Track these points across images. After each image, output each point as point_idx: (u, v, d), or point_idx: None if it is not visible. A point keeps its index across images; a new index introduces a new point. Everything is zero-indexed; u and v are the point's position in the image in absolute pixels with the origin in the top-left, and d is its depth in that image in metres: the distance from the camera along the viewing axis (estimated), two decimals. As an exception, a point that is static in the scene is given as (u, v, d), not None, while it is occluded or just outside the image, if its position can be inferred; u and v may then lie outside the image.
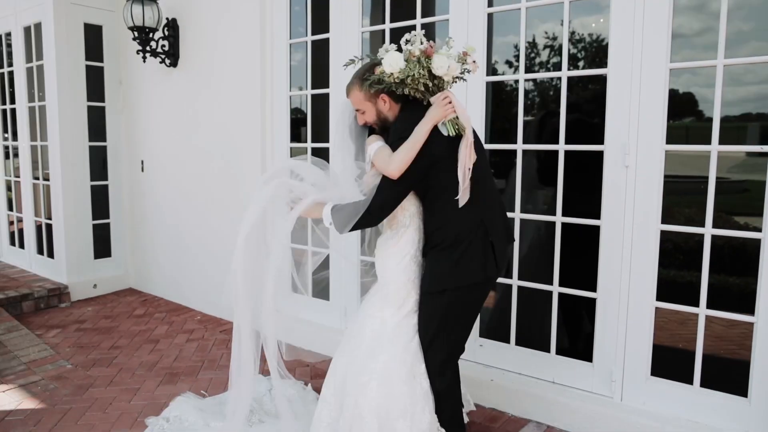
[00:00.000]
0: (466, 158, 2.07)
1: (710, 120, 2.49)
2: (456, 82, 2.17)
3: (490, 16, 3.08)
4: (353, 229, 2.21)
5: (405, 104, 2.24)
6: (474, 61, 2.16)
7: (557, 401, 2.87)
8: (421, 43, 2.06)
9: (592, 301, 2.85)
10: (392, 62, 2.05)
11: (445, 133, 2.09)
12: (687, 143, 2.73)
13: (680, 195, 2.87)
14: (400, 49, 2.10)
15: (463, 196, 2.10)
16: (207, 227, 4.59)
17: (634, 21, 2.60)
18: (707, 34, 2.62)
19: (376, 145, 2.20)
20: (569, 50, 2.86)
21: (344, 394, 2.30)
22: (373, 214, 2.18)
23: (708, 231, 2.52)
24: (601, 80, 2.75)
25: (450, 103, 2.09)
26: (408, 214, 2.29)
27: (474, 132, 2.21)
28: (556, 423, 2.87)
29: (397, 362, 2.23)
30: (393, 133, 2.19)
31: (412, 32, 2.09)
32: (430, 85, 2.09)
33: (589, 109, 2.93)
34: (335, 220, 2.22)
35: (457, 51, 2.13)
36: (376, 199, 2.16)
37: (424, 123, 2.08)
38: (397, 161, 2.07)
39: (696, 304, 2.57)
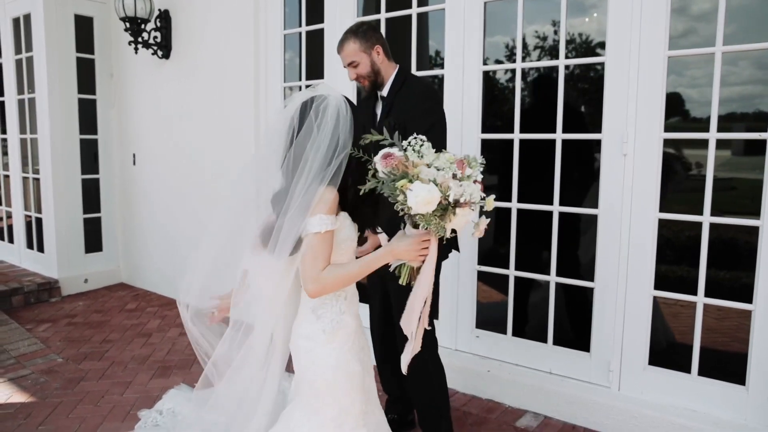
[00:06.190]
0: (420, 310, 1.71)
1: (697, 120, 2.56)
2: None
3: (486, 5, 3.06)
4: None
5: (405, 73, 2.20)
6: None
7: (554, 392, 2.86)
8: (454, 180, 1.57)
9: (589, 291, 2.84)
10: (423, 200, 1.50)
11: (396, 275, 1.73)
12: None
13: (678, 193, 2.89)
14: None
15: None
16: (199, 221, 4.54)
17: (632, 9, 2.59)
18: (701, 30, 2.64)
19: (318, 219, 1.60)
20: (567, 39, 2.85)
21: None
22: None
23: (706, 219, 2.51)
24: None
25: (426, 249, 1.65)
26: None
27: None
28: (553, 413, 2.86)
29: None
30: (421, 114, 2.09)
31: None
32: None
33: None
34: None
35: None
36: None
37: (380, 256, 1.66)
38: (326, 282, 1.60)
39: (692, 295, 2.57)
